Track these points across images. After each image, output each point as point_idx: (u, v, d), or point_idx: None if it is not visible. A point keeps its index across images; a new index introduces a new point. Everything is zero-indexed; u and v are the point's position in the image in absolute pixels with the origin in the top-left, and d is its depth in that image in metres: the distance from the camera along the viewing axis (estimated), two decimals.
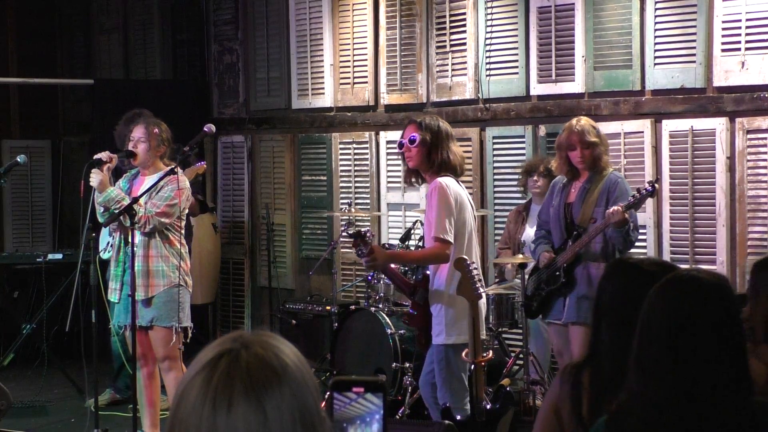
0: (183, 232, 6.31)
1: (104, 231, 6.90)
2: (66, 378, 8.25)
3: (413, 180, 5.74)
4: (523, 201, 7.44)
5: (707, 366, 2.22)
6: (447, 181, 5.50)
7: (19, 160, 7.14)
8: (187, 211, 6.38)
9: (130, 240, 6.02)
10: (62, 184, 10.84)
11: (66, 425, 7.43)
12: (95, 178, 6.13)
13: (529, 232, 7.09)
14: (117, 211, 6.04)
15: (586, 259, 6.03)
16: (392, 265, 6.01)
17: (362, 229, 5.76)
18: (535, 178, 7.18)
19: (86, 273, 6.78)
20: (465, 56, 7.93)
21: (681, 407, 2.22)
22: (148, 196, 6.13)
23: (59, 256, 9.12)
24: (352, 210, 7.94)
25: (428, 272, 5.68)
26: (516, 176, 7.46)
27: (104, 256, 6.63)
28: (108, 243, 6.60)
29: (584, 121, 6.18)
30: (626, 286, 2.85)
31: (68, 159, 10.88)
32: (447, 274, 5.49)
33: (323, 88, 8.95)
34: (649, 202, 6.92)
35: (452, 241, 5.44)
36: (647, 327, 2.30)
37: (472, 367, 4.97)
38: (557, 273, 6.15)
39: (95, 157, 6.27)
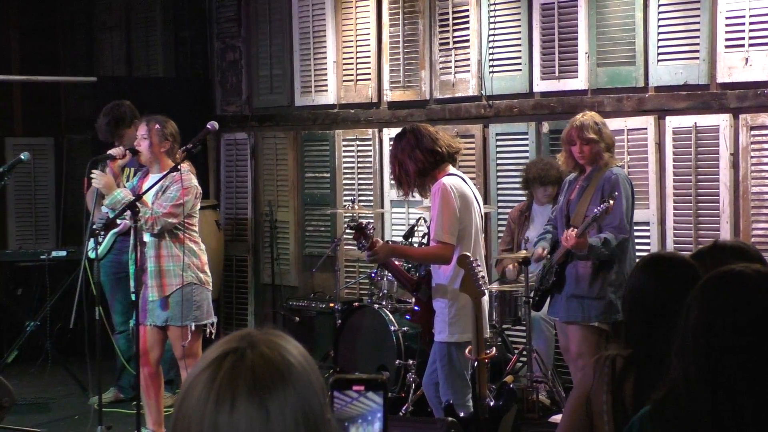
0: (196, 228, 6.29)
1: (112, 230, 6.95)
2: (69, 375, 8.25)
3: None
4: (524, 199, 7.42)
5: (751, 362, 2.23)
6: (451, 182, 5.47)
7: (22, 157, 7.14)
8: (197, 208, 6.34)
9: (142, 240, 6.05)
10: (65, 181, 10.83)
11: (69, 422, 7.42)
12: (99, 180, 6.10)
13: (533, 231, 7.06)
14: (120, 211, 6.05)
15: (576, 257, 6.00)
16: (395, 261, 5.99)
17: (363, 222, 5.74)
18: (549, 189, 7.09)
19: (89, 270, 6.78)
20: (468, 53, 7.91)
21: (724, 400, 2.22)
22: (155, 196, 6.12)
23: (63, 253, 9.11)
24: (356, 207, 7.93)
25: (431, 268, 5.67)
26: (518, 174, 7.42)
27: (92, 255, 6.64)
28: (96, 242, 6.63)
29: (587, 117, 6.10)
30: (670, 281, 2.93)
31: (71, 156, 10.87)
32: (450, 272, 5.47)
33: (326, 86, 8.94)
34: (653, 199, 6.92)
35: (453, 243, 5.42)
36: (691, 320, 2.31)
37: (476, 364, 4.97)
38: (551, 271, 6.15)
39: (108, 152, 6.27)
